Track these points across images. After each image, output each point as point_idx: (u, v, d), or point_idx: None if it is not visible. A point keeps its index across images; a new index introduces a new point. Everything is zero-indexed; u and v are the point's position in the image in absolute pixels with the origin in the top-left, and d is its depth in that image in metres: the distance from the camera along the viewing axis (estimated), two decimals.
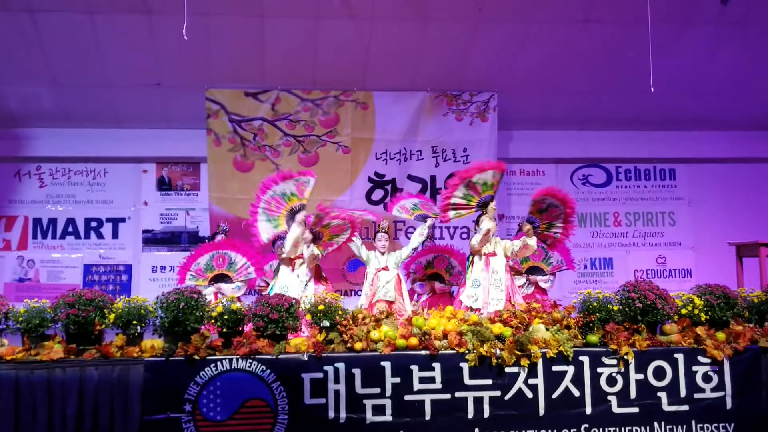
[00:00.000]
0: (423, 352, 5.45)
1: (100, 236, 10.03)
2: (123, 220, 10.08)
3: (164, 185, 10.16)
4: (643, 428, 5.52)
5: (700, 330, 5.78)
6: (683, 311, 5.92)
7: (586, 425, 5.47)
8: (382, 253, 7.77)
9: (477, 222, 7.37)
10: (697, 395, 5.60)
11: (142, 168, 10.14)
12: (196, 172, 10.19)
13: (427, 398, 5.37)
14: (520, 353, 5.47)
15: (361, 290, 7.89)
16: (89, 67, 8.87)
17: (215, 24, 8.49)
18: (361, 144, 9.63)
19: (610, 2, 8.63)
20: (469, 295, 7.11)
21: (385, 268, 7.66)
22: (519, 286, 7.92)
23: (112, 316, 5.47)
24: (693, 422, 5.56)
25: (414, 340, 5.50)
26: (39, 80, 9.00)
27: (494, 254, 7.21)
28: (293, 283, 7.21)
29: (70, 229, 9.96)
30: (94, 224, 10.02)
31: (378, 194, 9.70)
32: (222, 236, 8.19)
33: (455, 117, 9.74)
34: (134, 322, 5.47)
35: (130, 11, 8.28)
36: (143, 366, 5.25)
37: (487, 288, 7.07)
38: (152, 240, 10.05)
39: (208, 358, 5.27)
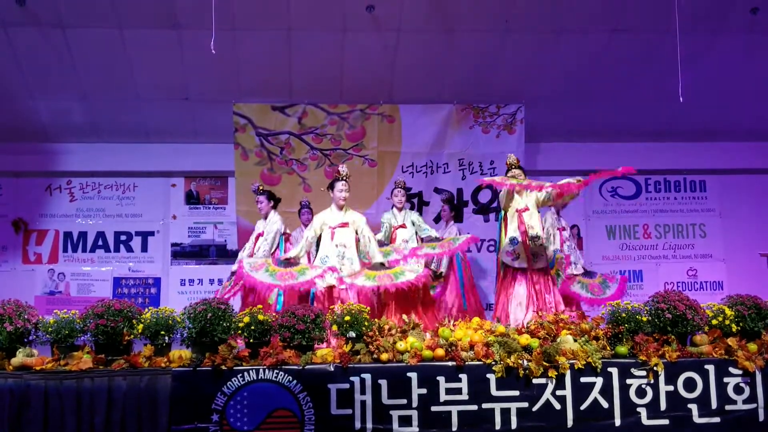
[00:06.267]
0: (449, 363, 5.41)
1: (129, 250, 10.13)
2: (152, 233, 10.17)
3: (192, 199, 10.24)
4: None
5: (731, 341, 5.69)
6: (714, 322, 5.83)
7: None
8: (399, 210, 7.69)
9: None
10: (728, 407, 5.50)
11: (171, 182, 10.25)
12: (223, 186, 10.27)
13: (454, 409, 5.33)
14: (547, 364, 5.41)
15: None
16: (119, 81, 9.01)
17: (242, 38, 8.58)
18: (388, 157, 9.65)
19: (639, 12, 8.58)
20: (507, 252, 7.00)
21: (403, 226, 7.59)
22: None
23: (141, 326, 5.50)
24: None
25: (440, 351, 5.47)
26: (69, 95, 9.15)
27: (527, 209, 7.04)
28: (332, 253, 7.03)
29: (100, 242, 10.08)
30: (123, 238, 10.13)
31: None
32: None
33: (482, 129, 9.73)
34: (162, 332, 5.50)
35: (158, 26, 8.40)
36: (171, 376, 5.27)
37: (527, 244, 6.95)
38: (181, 253, 10.13)
39: (235, 368, 5.27)
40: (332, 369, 5.34)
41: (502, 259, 7.05)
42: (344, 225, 7.11)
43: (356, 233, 7.16)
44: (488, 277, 9.50)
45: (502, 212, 7.21)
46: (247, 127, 9.39)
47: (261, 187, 8.15)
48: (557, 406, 5.39)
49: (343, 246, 7.00)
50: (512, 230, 7.04)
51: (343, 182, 7.18)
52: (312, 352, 5.46)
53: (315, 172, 9.52)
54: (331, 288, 6.87)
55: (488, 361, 5.42)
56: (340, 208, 7.21)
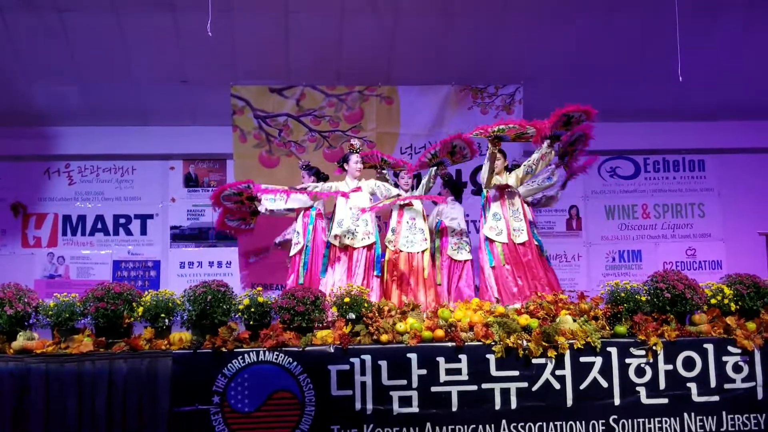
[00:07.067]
0: (449, 344, 5.44)
1: (128, 233, 10.13)
2: (151, 216, 10.17)
3: (191, 182, 10.23)
4: (672, 419, 5.45)
5: (729, 320, 5.71)
6: (713, 301, 5.85)
7: (615, 416, 5.42)
8: (406, 191, 7.79)
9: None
10: (727, 386, 5.53)
11: (170, 165, 10.23)
12: (222, 168, 10.26)
13: (454, 390, 5.36)
14: (547, 344, 5.44)
15: None
16: (116, 64, 8.96)
17: (239, 20, 8.53)
18: (386, 138, 9.61)
19: None
20: (491, 227, 7.07)
21: (409, 204, 7.66)
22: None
23: (141, 309, 5.52)
24: (723, 413, 5.50)
25: (440, 332, 5.49)
26: (66, 78, 9.11)
27: (507, 186, 7.18)
28: (347, 215, 7.19)
29: (99, 225, 10.08)
30: (122, 221, 10.12)
31: None
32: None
33: (480, 110, 9.68)
34: (162, 315, 5.52)
35: (155, 8, 8.34)
36: (172, 358, 5.29)
37: (508, 219, 7.04)
38: (180, 236, 10.13)
39: (235, 350, 5.30)
40: (332, 350, 5.36)
41: (486, 234, 7.09)
42: (357, 189, 7.34)
43: (369, 195, 7.40)
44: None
45: (484, 191, 7.27)
46: (245, 109, 9.35)
47: (308, 164, 8.09)
48: (557, 385, 5.42)
49: (357, 209, 7.18)
50: (495, 206, 7.11)
51: (358, 155, 7.46)
52: (312, 334, 5.48)
53: (313, 154, 9.46)
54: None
55: (488, 341, 5.44)
56: (355, 178, 7.43)
